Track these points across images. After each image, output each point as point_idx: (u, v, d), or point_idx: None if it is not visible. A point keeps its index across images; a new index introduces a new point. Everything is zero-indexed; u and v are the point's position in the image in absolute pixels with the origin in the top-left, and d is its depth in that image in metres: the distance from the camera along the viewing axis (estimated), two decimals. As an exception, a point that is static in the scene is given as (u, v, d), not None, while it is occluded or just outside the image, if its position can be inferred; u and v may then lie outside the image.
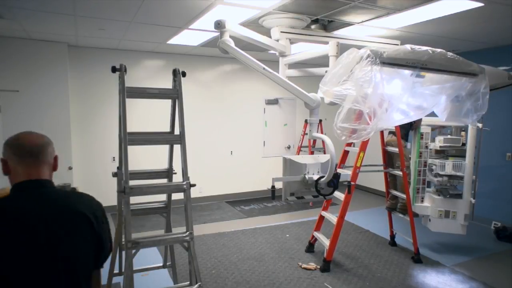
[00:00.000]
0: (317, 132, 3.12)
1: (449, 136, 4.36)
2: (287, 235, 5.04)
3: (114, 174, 2.78)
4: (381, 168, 4.64)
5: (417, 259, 4.18)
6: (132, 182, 2.43)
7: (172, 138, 2.78)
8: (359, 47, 2.52)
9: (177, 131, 2.66)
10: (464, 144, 4.28)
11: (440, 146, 4.36)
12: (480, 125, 4.16)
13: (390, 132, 4.55)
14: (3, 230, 1.12)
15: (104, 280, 2.87)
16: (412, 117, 2.77)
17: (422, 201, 4.41)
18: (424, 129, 4.36)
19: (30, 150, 1.24)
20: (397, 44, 4.25)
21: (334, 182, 2.74)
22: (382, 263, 4.15)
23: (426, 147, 4.36)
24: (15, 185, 1.24)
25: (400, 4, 3.36)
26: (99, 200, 1.37)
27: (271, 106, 7.28)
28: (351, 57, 2.47)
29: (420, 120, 4.39)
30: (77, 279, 1.23)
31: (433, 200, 4.37)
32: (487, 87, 2.82)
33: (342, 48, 3.13)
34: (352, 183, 3.64)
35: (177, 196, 2.75)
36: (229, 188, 6.95)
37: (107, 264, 1.39)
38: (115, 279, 2.96)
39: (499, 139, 5.26)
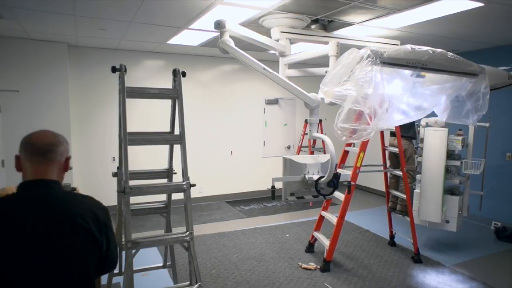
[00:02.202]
0: (317, 132, 3.12)
1: None
2: (287, 235, 5.04)
3: (114, 174, 2.79)
4: (381, 168, 4.65)
5: (417, 259, 4.18)
6: (132, 182, 2.44)
7: (172, 138, 2.78)
8: (359, 47, 2.52)
9: (177, 131, 2.66)
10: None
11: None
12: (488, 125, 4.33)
13: (392, 134, 4.56)
14: None
15: (104, 280, 2.89)
16: (412, 117, 2.77)
17: None
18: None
19: (39, 149, 1.26)
20: (397, 44, 4.25)
21: (334, 182, 2.74)
22: (382, 263, 4.15)
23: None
24: (21, 183, 1.26)
25: (400, 4, 3.36)
26: (99, 200, 1.35)
27: (271, 106, 7.28)
28: (351, 57, 2.47)
29: None
30: (70, 280, 1.20)
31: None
32: (487, 87, 2.82)
33: (342, 48, 3.13)
34: (352, 183, 3.64)
35: (177, 196, 2.75)
36: (229, 188, 6.95)
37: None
38: (115, 279, 2.97)
39: (499, 139, 5.25)
